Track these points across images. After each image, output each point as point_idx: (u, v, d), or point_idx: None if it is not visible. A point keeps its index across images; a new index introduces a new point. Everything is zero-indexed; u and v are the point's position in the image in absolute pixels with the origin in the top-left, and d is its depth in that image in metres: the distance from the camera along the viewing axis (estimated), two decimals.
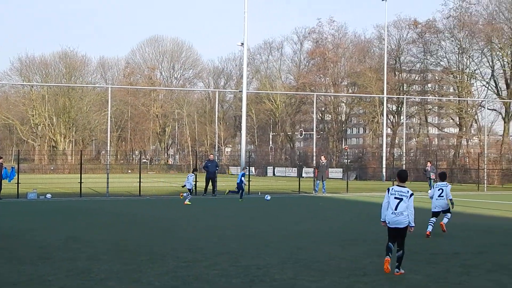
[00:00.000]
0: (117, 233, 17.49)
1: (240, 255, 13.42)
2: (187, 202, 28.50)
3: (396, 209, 11.23)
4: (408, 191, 11.34)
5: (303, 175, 55.61)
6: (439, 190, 17.62)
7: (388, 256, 11.31)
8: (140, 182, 36.17)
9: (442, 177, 18.12)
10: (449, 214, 17.68)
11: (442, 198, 17.53)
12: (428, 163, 44.79)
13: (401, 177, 11.73)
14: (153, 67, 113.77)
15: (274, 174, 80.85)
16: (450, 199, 17.63)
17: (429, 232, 16.71)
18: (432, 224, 17.16)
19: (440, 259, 12.96)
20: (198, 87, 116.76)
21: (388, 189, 11.53)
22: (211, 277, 11.01)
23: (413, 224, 11.32)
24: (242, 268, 11.90)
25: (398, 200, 11.26)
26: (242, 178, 32.09)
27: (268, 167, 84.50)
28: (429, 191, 20.13)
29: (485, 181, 47.41)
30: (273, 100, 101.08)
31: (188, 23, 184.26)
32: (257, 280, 10.77)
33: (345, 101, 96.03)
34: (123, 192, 37.06)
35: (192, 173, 31.74)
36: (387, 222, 11.39)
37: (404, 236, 11.26)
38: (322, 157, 40.71)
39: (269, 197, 32.54)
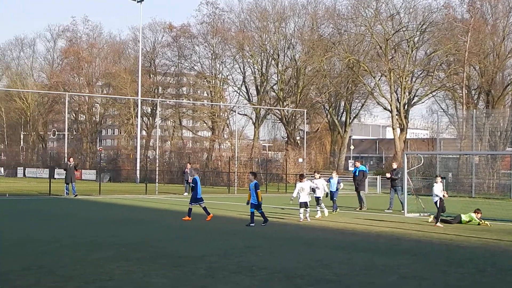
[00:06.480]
0: None
1: None
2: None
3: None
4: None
5: (55, 177, 54.01)
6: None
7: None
8: None
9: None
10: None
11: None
12: (188, 164, 45.12)
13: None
14: None
15: (24, 175, 77.64)
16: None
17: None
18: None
19: (186, 262, 13.05)
20: None
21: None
22: None
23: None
24: None
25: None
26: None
27: (18, 168, 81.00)
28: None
29: (236, 183, 49.10)
30: (24, 99, 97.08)
31: None
32: None
33: (99, 102, 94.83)
34: None
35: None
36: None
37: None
38: (71, 159, 39.82)
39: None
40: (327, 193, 25.85)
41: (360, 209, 29.94)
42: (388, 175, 30.98)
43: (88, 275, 11.39)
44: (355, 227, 21.33)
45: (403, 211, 26.91)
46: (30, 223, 21.60)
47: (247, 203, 21.06)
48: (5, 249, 14.51)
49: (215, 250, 15.01)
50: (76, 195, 37.15)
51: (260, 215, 20.78)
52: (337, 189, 27.93)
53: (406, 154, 29.92)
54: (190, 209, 22.67)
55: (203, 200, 23.01)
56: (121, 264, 12.58)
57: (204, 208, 22.81)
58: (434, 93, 75.20)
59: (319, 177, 25.73)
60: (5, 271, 11.64)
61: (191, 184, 23.29)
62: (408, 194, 26.95)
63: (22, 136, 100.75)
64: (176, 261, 13.18)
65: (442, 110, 72.76)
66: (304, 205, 22.57)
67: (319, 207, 24.91)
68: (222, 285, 10.63)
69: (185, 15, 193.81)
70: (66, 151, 47.42)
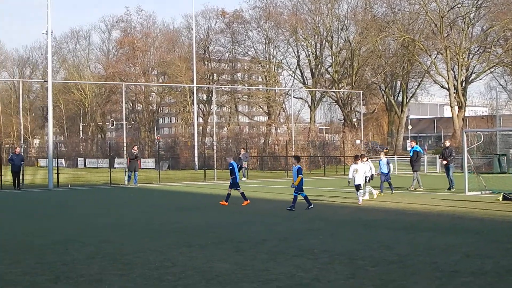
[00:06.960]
0: None
1: (45, 251, 12.90)
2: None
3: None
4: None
5: (114, 166, 54.78)
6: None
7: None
8: None
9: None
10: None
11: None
12: (242, 150, 45.20)
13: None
14: None
15: (85, 165, 78.97)
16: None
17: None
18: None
19: (248, 246, 13.13)
20: (2, 76, 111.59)
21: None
22: (14, 276, 10.48)
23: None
24: (48, 264, 11.44)
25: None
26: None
27: (79, 159, 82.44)
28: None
29: None
30: (82, 90, 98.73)
31: None
32: (63, 276, 10.39)
33: (155, 91, 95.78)
34: None
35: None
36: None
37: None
38: (135, 147, 40.16)
39: None
40: (372, 175, 25.39)
41: (409, 188, 29.55)
42: (444, 162, 30.40)
43: (151, 262, 11.55)
44: (416, 207, 21.13)
45: (452, 189, 27.60)
46: (93, 212, 22.00)
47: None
48: (69, 239, 14.79)
49: (275, 234, 15.06)
50: (137, 185, 37.61)
51: (302, 198, 20.92)
52: (389, 171, 27.52)
53: (466, 132, 29.47)
54: (229, 194, 22.92)
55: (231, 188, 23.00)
56: (183, 251, 12.72)
57: (228, 195, 22.86)
58: (492, 70, 73.78)
59: (367, 160, 25.44)
60: (70, 260, 11.88)
61: (229, 167, 23.11)
62: (469, 172, 26.58)
63: (81, 127, 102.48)
64: (237, 246, 13.26)
65: (501, 86, 71.48)
66: (359, 187, 22.43)
67: (368, 189, 24.52)
68: (284, 268, 10.66)
69: (237, 1, 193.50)
70: (125, 141, 48.14)
